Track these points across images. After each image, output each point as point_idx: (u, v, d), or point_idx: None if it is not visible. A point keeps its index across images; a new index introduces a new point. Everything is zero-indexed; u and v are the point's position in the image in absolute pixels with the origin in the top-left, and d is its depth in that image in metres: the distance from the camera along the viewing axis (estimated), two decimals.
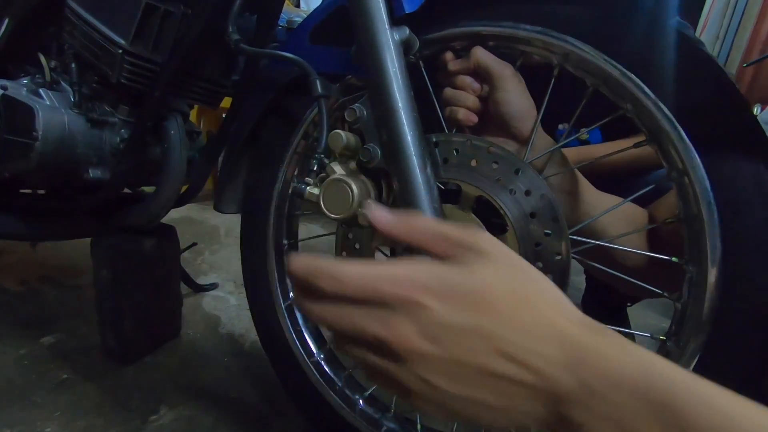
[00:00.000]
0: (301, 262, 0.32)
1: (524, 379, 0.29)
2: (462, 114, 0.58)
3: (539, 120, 0.56)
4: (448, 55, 0.58)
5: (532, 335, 0.29)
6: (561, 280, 0.51)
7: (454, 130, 0.59)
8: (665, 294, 0.53)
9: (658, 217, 0.58)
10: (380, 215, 0.34)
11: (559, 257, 0.51)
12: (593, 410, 0.28)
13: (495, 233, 0.53)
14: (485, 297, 0.29)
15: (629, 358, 0.28)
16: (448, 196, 0.55)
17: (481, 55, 0.56)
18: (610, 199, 0.61)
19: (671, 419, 0.26)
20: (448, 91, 0.59)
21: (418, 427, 0.67)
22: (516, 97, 0.56)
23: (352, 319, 0.30)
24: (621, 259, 0.58)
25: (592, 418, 0.28)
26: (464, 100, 0.58)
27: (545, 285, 0.32)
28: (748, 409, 0.26)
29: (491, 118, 0.59)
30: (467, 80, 0.58)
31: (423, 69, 0.59)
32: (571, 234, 0.51)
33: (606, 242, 0.56)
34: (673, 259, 0.51)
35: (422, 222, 0.34)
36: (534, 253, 0.51)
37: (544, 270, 0.51)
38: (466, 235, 0.33)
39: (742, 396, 0.26)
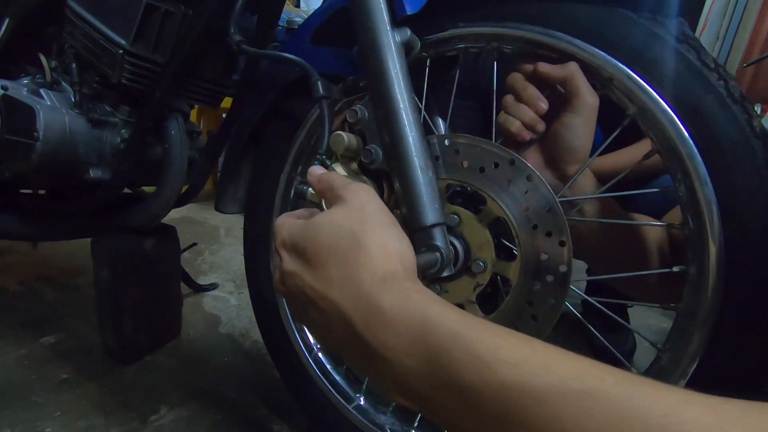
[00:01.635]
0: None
1: (325, 321, 0.36)
2: (516, 127, 0.53)
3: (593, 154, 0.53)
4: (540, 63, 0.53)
5: (334, 287, 0.34)
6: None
7: (500, 141, 0.55)
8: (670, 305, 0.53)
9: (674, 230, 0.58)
10: (312, 172, 0.45)
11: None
12: (370, 365, 0.33)
13: (502, 256, 0.52)
14: (308, 249, 0.37)
15: (407, 314, 0.32)
16: (471, 204, 0.53)
17: (577, 71, 0.51)
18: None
19: (439, 372, 0.29)
20: (509, 99, 0.55)
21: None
22: (586, 131, 0.53)
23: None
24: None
25: (371, 367, 0.33)
26: (523, 114, 0.53)
27: (373, 241, 0.35)
28: (507, 354, 0.28)
29: (543, 141, 0.56)
30: (537, 94, 0.53)
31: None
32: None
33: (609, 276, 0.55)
34: (674, 269, 0.51)
35: (327, 176, 0.43)
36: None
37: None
38: (341, 184, 0.40)
39: (514, 334, 0.29)
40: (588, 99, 0.52)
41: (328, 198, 0.42)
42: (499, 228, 0.52)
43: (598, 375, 0.26)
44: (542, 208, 0.49)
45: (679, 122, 0.47)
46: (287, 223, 0.40)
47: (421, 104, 0.57)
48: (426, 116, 0.61)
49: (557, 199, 0.48)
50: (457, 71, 0.62)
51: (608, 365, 0.27)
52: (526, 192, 0.49)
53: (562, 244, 0.48)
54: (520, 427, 0.26)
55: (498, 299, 0.53)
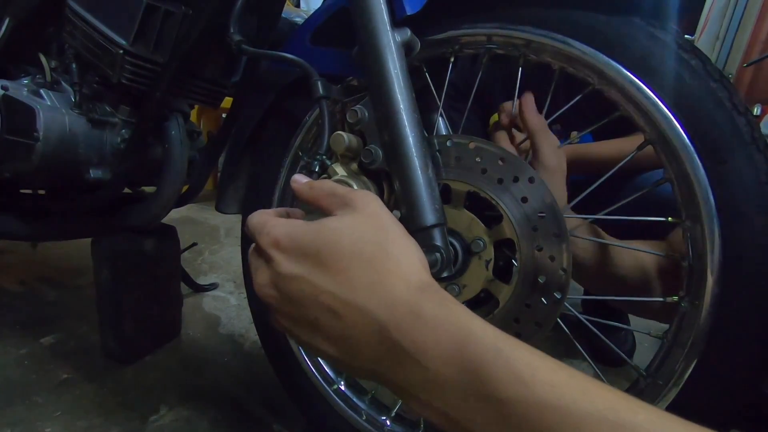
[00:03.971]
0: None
1: (342, 329, 0.33)
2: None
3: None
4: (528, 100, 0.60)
5: (360, 293, 0.32)
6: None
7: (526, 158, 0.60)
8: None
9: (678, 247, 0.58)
10: (297, 179, 0.42)
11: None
12: (399, 372, 0.32)
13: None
14: (323, 253, 0.34)
15: (449, 323, 0.31)
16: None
17: (540, 131, 0.58)
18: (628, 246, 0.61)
19: (477, 384, 0.29)
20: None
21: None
22: (552, 186, 0.56)
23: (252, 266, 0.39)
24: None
25: (400, 373, 0.32)
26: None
27: (399, 250, 0.35)
28: (546, 375, 0.28)
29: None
30: (503, 137, 0.63)
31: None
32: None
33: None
34: (673, 298, 0.51)
35: (322, 184, 0.41)
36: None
37: None
38: (346, 191, 0.38)
39: (549, 358, 0.29)
40: (546, 162, 0.57)
41: (328, 205, 0.38)
42: (473, 202, 0.54)
43: (632, 408, 0.26)
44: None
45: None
46: (279, 223, 0.37)
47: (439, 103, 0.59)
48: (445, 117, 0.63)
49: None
50: (476, 72, 0.62)
51: (640, 400, 0.27)
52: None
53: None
54: None
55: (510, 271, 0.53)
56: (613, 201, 0.54)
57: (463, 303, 0.51)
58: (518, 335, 0.50)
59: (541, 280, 0.50)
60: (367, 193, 0.38)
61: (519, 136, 0.65)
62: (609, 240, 0.59)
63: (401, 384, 0.32)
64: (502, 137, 0.64)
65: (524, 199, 0.51)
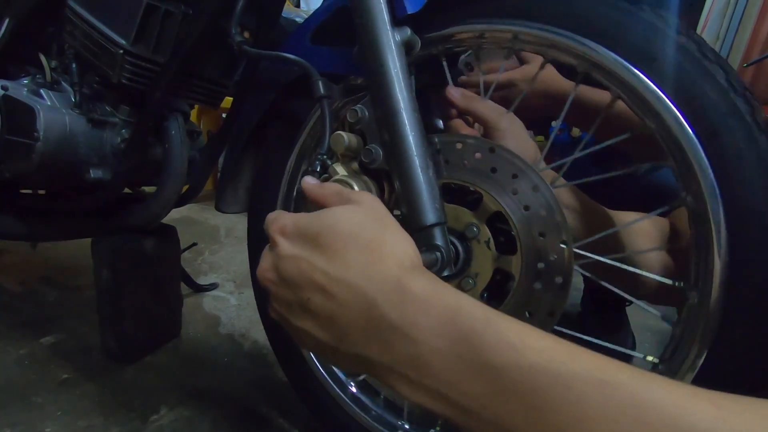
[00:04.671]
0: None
1: (333, 307, 0.34)
2: None
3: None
4: (451, 91, 0.60)
5: (352, 271, 0.34)
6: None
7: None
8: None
9: (681, 228, 0.58)
10: (308, 181, 0.45)
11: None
12: (388, 350, 0.32)
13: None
14: (322, 235, 0.36)
15: (439, 298, 0.32)
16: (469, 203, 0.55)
17: (477, 104, 0.58)
18: (624, 216, 0.60)
19: (468, 353, 0.30)
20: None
21: None
22: (514, 143, 0.57)
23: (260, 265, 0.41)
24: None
25: (389, 353, 0.32)
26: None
27: (394, 240, 0.36)
28: (535, 341, 0.29)
29: None
30: (460, 123, 0.63)
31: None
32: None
33: (610, 258, 0.55)
34: (677, 284, 0.51)
35: (330, 185, 0.44)
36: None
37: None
38: (349, 191, 0.41)
39: (536, 328, 0.31)
40: (495, 125, 0.57)
41: (333, 203, 0.41)
42: (451, 194, 0.55)
43: (617, 368, 0.28)
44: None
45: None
46: (288, 214, 0.40)
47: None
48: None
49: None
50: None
51: (621, 362, 0.28)
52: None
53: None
54: (545, 409, 0.27)
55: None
56: (615, 196, 0.54)
57: (483, 291, 0.53)
58: (541, 300, 0.51)
59: (542, 237, 0.51)
60: (369, 194, 0.41)
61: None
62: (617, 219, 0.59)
63: (390, 364, 0.33)
64: (458, 125, 0.64)
65: (493, 170, 0.52)
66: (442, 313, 0.31)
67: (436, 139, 0.55)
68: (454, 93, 0.59)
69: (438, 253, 0.47)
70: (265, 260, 0.39)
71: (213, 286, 1.40)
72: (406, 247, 0.36)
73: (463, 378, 0.30)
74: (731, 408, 0.25)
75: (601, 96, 0.76)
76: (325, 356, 0.37)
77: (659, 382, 0.27)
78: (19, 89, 0.79)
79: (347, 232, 0.35)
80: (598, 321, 1.24)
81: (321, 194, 0.42)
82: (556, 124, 1.03)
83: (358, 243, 0.35)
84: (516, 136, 0.57)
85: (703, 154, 0.45)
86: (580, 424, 0.26)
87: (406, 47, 0.51)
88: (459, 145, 0.53)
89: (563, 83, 0.81)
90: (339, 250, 0.35)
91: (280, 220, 0.39)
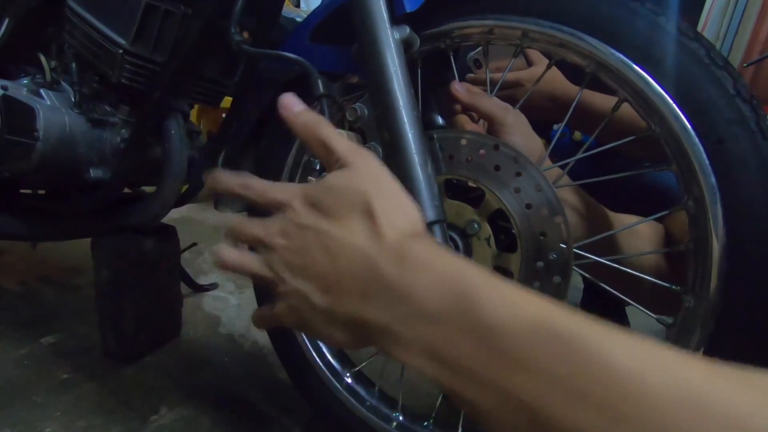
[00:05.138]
0: (234, 176, 0.42)
1: (336, 269, 0.35)
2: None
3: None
4: (456, 87, 0.60)
5: (356, 235, 0.35)
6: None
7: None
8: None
9: (674, 232, 0.58)
10: (286, 100, 0.42)
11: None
12: (386, 308, 0.33)
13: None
14: (330, 203, 0.36)
15: (438, 259, 0.33)
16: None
17: (481, 100, 0.59)
18: (623, 218, 0.61)
19: (466, 311, 0.30)
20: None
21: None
22: (520, 139, 0.57)
23: (246, 228, 0.41)
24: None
25: (387, 312, 0.33)
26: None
27: (396, 204, 0.37)
28: (532, 306, 0.29)
29: None
30: (465, 119, 0.63)
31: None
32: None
33: (610, 260, 0.55)
34: (675, 287, 0.51)
35: (317, 126, 0.41)
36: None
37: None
38: (344, 150, 0.39)
39: (536, 294, 0.30)
40: (501, 120, 0.57)
41: (322, 156, 0.41)
42: (453, 189, 0.55)
43: (608, 329, 0.27)
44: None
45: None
46: (294, 185, 0.40)
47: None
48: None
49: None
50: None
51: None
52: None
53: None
54: (539, 369, 0.27)
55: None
56: (613, 197, 0.54)
57: None
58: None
59: (543, 236, 0.50)
60: (365, 152, 0.40)
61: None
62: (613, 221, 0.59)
63: (386, 323, 0.33)
64: (463, 120, 0.65)
65: (497, 168, 0.52)
66: (441, 272, 0.32)
67: (439, 135, 0.55)
68: (459, 88, 0.59)
69: None
70: (274, 224, 0.39)
71: (213, 286, 1.40)
72: (408, 213, 0.37)
73: (459, 336, 0.29)
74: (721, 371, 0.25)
75: (606, 101, 0.77)
76: (318, 326, 0.37)
77: (649, 343, 0.27)
78: (19, 89, 0.79)
79: (351, 201, 0.36)
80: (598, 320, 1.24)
81: (305, 135, 0.41)
82: (558, 127, 1.03)
83: (359, 209, 0.36)
84: (522, 133, 0.58)
85: (706, 160, 0.45)
86: (576, 380, 0.26)
87: (405, 45, 0.51)
88: (463, 141, 0.53)
89: (569, 87, 0.82)
90: (344, 216, 0.36)
91: (290, 188, 0.39)
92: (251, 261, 0.40)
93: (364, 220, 0.35)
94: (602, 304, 1.21)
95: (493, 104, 0.58)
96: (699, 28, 2.25)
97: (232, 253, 0.41)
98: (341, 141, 0.40)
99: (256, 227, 0.40)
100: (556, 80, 0.83)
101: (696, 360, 0.25)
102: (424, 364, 0.31)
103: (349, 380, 0.72)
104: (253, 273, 0.40)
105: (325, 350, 0.74)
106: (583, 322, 0.28)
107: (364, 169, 0.38)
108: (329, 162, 0.40)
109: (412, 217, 0.37)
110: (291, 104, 0.42)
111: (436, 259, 0.33)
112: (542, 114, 0.83)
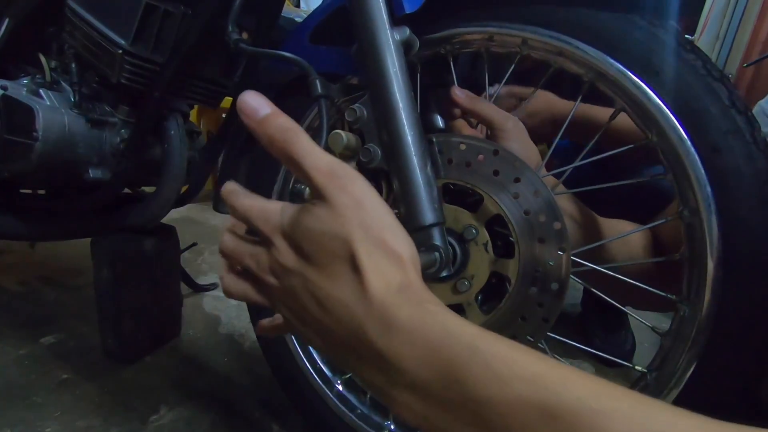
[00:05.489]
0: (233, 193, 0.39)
1: (329, 322, 0.33)
2: None
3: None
4: (456, 92, 0.60)
5: (343, 290, 0.33)
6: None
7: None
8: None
9: (664, 237, 0.58)
10: (245, 99, 0.36)
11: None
12: (378, 373, 0.32)
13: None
14: (314, 247, 0.33)
15: (425, 326, 0.31)
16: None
17: (482, 106, 0.58)
18: (615, 224, 0.61)
19: (454, 386, 0.29)
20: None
21: None
22: (518, 146, 0.57)
23: (239, 256, 0.38)
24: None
25: (380, 376, 0.32)
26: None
27: (378, 246, 0.33)
28: (523, 370, 0.28)
29: None
30: (462, 124, 0.63)
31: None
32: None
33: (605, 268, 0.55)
34: (671, 296, 0.51)
35: (295, 144, 0.34)
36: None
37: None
38: (325, 176, 0.34)
39: (530, 351, 0.29)
40: (501, 126, 0.57)
41: (295, 175, 0.37)
42: (451, 194, 0.55)
43: (614, 395, 0.26)
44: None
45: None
46: (276, 213, 0.36)
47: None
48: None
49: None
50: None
51: (626, 389, 0.27)
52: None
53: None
54: None
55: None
56: (615, 201, 0.54)
57: (477, 293, 0.53)
58: (540, 305, 0.51)
59: (540, 242, 0.50)
60: (348, 177, 0.34)
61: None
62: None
63: (380, 384, 0.32)
64: (461, 125, 0.65)
65: (496, 173, 0.52)
66: (427, 344, 0.30)
67: (439, 139, 0.55)
68: (459, 93, 0.59)
69: (437, 253, 0.47)
70: (262, 258, 0.36)
71: (213, 286, 1.40)
72: (397, 257, 0.33)
73: (450, 410, 0.29)
74: None
75: (605, 113, 0.78)
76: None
77: (662, 411, 0.25)
78: (19, 89, 0.79)
79: (336, 249, 0.33)
80: (599, 321, 1.24)
81: (277, 151, 0.35)
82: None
83: (343, 258, 0.33)
84: (520, 140, 0.58)
85: (702, 169, 0.46)
86: None
87: (405, 47, 0.51)
88: (462, 146, 0.53)
89: (567, 105, 0.83)
90: (328, 266, 0.33)
91: (270, 222, 0.36)
92: (252, 294, 0.39)
93: (349, 271, 0.32)
94: (603, 305, 1.21)
95: (492, 110, 0.58)
96: (699, 28, 2.25)
97: (234, 286, 0.39)
98: (316, 162, 0.34)
99: (247, 257, 0.38)
100: (551, 103, 0.84)
101: None
102: (422, 425, 0.31)
103: (340, 387, 0.72)
104: (256, 303, 0.39)
105: (315, 356, 0.73)
106: (576, 392, 0.26)
107: (344, 202, 0.33)
108: (305, 183, 0.36)
109: (401, 260, 0.33)
110: (254, 108, 0.35)
111: (421, 326, 0.30)
112: (547, 137, 0.85)
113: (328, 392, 0.71)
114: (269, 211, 0.36)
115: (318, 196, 0.34)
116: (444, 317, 0.31)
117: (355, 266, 0.32)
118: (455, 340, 0.30)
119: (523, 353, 0.29)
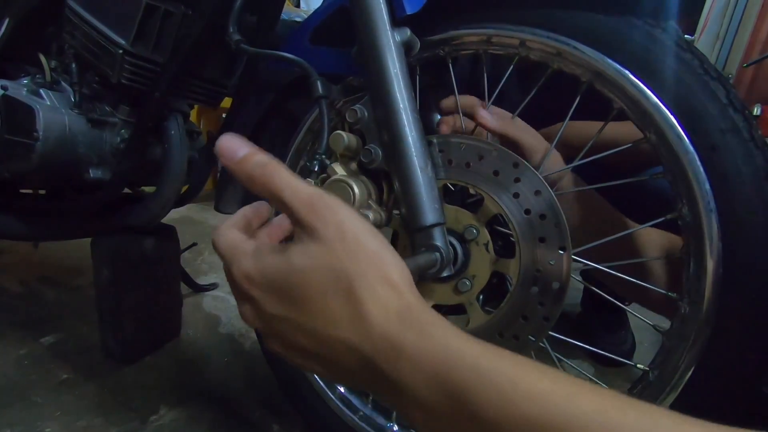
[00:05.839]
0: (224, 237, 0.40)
1: (333, 357, 0.33)
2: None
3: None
4: (482, 114, 0.58)
5: (342, 327, 0.32)
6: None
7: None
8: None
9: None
10: (224, 143, 0.36)
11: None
12: (388, 396, 0.32)
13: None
14: (294, 287, 0.33)
15: (429, 351, 0.30)
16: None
17: (513, 132, 0.57)
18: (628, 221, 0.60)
19: (462, 408, 0.29)
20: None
21: None
22: (525, 138, 0.57)
23: (232, 287, 0.38)
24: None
25: (393, 400, 0.32)
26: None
27: (374, 274, 0.32)
28: (529, 387, 0.28)
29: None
30: (449, 121, 0.60)
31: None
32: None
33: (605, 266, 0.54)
34: (671, 294, 0.51)
35: (268, 178, 0.34)
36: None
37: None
38: (304, 209, 0.33)
39: (535, 366, 0.29)
40: (538, 149, 0.57)
41: (284, 212, 0.35)
42: (450, 195, 0.55)
43: (621, 408, 0.26)
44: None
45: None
46: (248, 254, 0.35)
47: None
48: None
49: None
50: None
51: (631, 398, 0.27)
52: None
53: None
54: None
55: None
56: (618, 201, 0.54)
57: (479, 293, 0.53)
58: (542, 305, 0.51)
59: (541, 242, 0.50)
60: (326, 205, 0.33)
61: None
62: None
63: (391, 403, 0.33)
64: (448, 122, 0.62)
65: (496, 173, 0.52)
66: (433, 369, 0.30)
67: (439, 140, 0.55)
68: (485, 116, 0.56)
69: (437, 254, 0.47)
70: (246, 311, 0.37)
71: (213, 286, 1.40)
72: (390, 282, 0.33)
73: (463, 428, 0.29)
74: None
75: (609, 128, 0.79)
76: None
77: (669, 422, 0.25)
78: (19, 89, 0.79)
79: (322, 290, 0.32)
80: (599, 321, 1.24)
81: (252, 186, 0.35)
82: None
83: (338, 295, 0.32)
84: (552, 161, 0.58)
85: (701, 168, 0.46)
86: None
87: (406, 48, 0.51)
88: (462, 146, 0.53)
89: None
90: (320, 309, 0.32)
91: (241, 264, 0.35)
92: (254, 323, 0.38)
93: (345, 305, 0.32)
94: (603, 304, 1.21)
95: (518, 129, 0.58)
96: (699, 28, 2.25)
97: (244, 313, 0.38)
98: (296, 194, 0.33)
99: (236, 294, 0.38)
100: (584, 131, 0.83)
101: None
102: None
103: (342, 389, 0.71)
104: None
105: None
106: (582, 407, 0.26)
107: (331, 235, 0.32)
108: (295, 225, 0.34)
109: (395, 284, 0.33)
110: (232, 149, 0.35)
111: (425, 351, 0.30)
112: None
113: (330, 394, 0.70)
114: (241, 254, 0.36)
115: (302, 229, 0.33)
116: (446, 340, 0.31)
117: (351, 299, 0.32)
118: (459, 363, 0.30)
119: (527, 370, 0.29)
